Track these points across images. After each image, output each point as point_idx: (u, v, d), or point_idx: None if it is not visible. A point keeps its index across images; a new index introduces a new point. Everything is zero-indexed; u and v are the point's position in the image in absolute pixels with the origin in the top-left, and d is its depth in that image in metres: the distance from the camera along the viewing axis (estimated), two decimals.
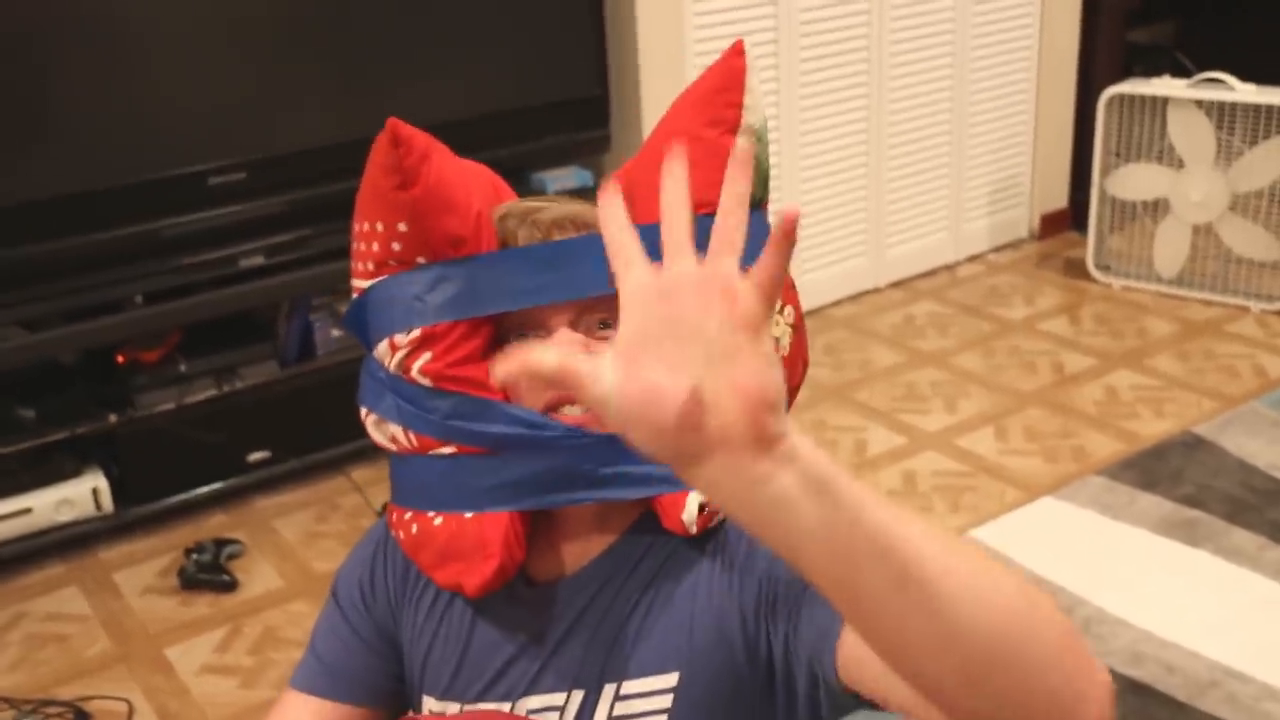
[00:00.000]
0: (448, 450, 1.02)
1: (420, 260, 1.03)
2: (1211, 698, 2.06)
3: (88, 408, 2.62)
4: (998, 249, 4.15)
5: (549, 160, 3.10)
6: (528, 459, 0.99)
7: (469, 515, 1.01)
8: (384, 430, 1.05)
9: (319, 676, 1.10)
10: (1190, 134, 3.56)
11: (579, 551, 1.04)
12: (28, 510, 2.54)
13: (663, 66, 3.17)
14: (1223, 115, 3.51)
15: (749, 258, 1.06)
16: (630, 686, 0.98)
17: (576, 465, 0.98)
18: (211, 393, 2.72)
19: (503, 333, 1.03)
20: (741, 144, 1.07)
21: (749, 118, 1.08)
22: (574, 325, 1.00)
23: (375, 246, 1.04)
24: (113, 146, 2.51)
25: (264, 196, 2.68)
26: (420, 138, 1.03)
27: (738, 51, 1.10)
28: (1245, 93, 3.47)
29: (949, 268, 4.02)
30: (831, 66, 3.55)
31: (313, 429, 2.84)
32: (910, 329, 3.60)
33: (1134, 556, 2.47)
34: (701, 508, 0.99)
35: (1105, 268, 3.84)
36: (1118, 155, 3.70)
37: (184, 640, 2.37)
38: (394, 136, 1.01)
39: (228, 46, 2.60)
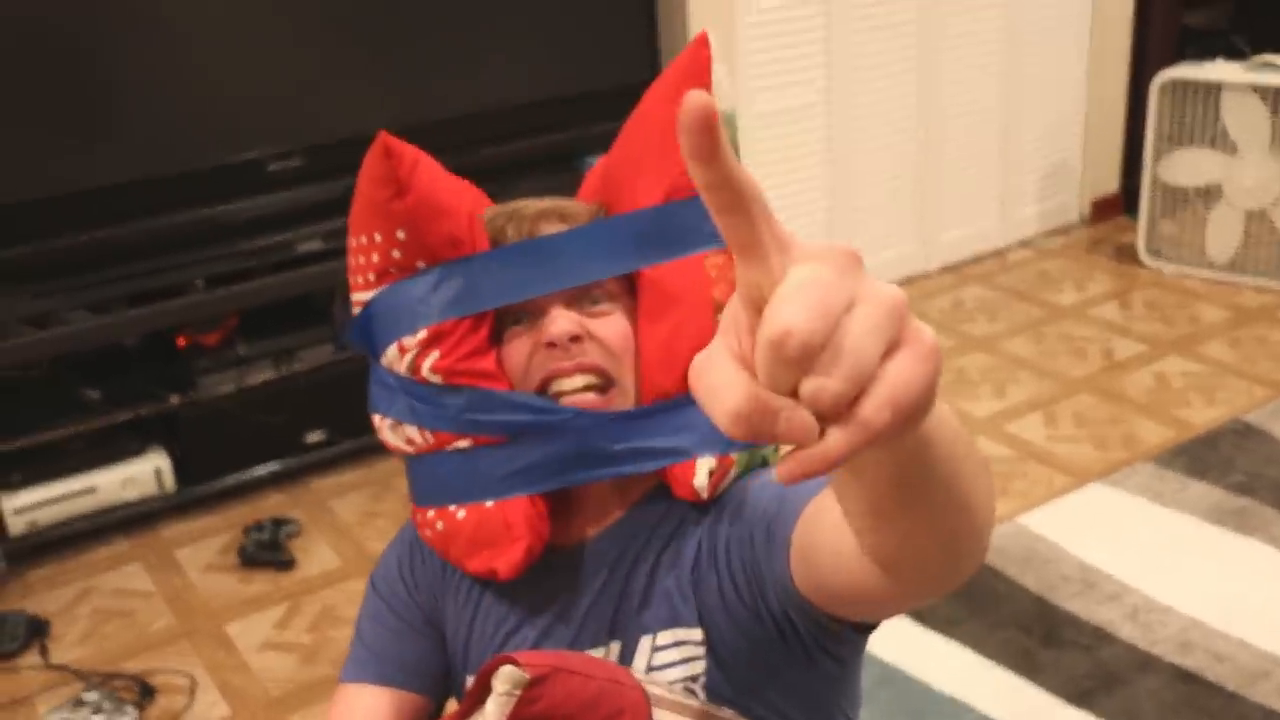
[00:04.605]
0: (464, 444, 1.07)
1: (420, 264, 1.08)
2: (1262, 688, 2.07)
3: (151, 389, 2.68)
4: (1048, 234, 4.13)
5: (597, 146, 3.11)
6: (541, 443, 1.04)
7: (490, 504, 1.06)
8: (400, 433, 1.10)
9: (372, 665, 1.14)
10: (1244, 119, 3.53)
11: (598, 519, 1.10)
12: (93, 489, 2.61)
13: (714, 54, 3.17)
14: (1278, 100, 3.47)
15: (718, 233, 1.12)
16: (664, 637, 1.03)
17: (588, 444, 1.03)
18: (270, 375, 2.78)
19: (501, 323, 1.08)
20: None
21: (719, 104, 1.13)
22: (569, 306, 1.06)
23: (375, 258, 1.09)
24: (175, 134, 2.56)
25: (321, 182, 2.71)
26: (409, 149, 1.09)
27: (703, 43, 1.17)
28: None
29: (999, 252, 4.01)
30: (882, 49, 3.54)
31: (368, 411, 2.89)
32: (960, 314, 3.60)
33: (1183, 544, 2.47)
34: (710, 473, 1.04)
35: (1156, 253, 3.81)
36: (1170, 140, 3.67)
37: (244, 617, 2.43)
38: (385, 149, 1.07)
39: (285, 35, 2.65)
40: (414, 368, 1.07)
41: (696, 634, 1.02)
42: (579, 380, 1.04)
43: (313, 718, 2.16)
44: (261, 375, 2.76)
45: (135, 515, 2.69)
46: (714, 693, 1.01)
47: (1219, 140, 3.59)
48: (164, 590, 2.53)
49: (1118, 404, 3.05)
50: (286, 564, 2.57)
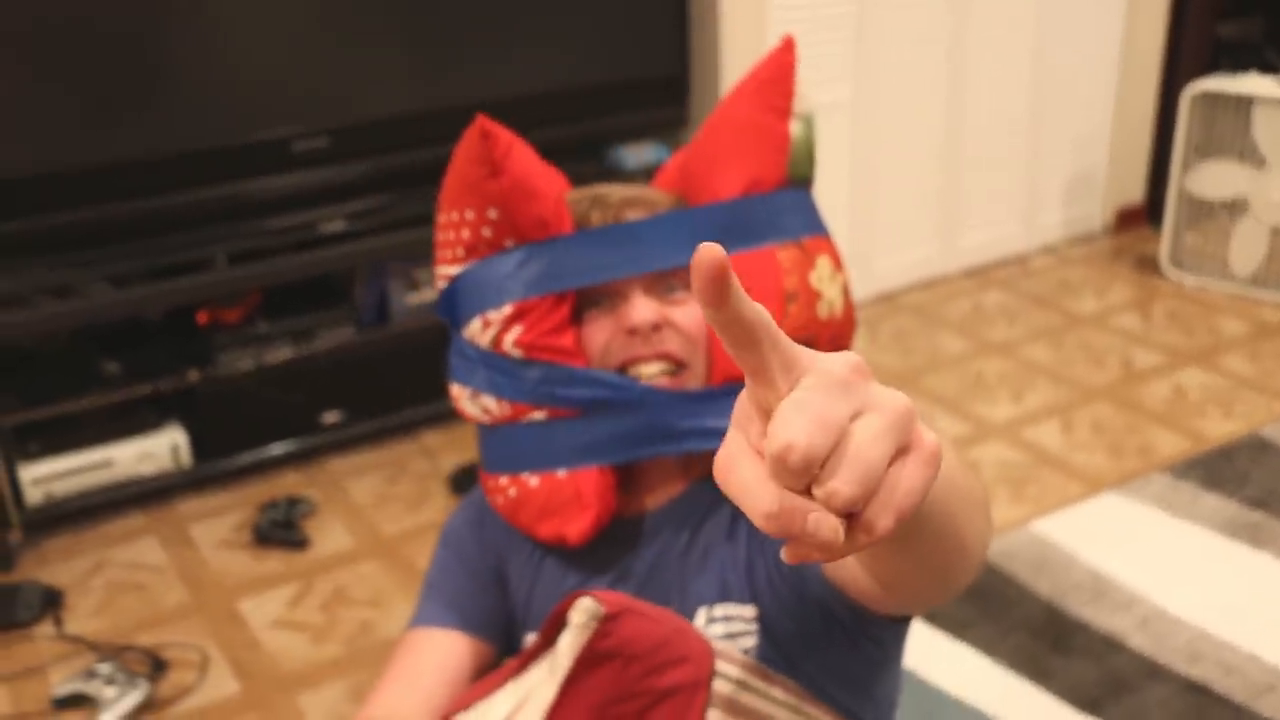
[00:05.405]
0: (539, 415, 1.12)
1: (509, 243, 1.14)
2: (1269, 701, 2.06)
3: (170, 364, 2.70)
4: (1071, 241, 4.12)
5: (625, 135, 3.12)
6: (613, 418, 1.10)
7: (562, 473, 1.11)
8: (478, 403, 1.15)
9: (441, 612, 1.18)
10: (1275, 133, 3.51)
11: (661, 492, 1.15)
12: (110, 462, 2.63)
13: (743, 48, 3.18)
14: None
15: (792, 227, 1.18)
16: (718, 610, 1.07)
17: (658, 421, 1.09)
18: (289, 354, 2.79)
19: (582, 304, 1.14)
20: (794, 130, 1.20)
21: (799, 106, 1.22)
22: (648, 292, 1.12)
23: (466, 234, 1.14)
24: (201, 111, 2.57)
25: (346, 163, 2.73)
26: (505, 132, 1.14)
27: (788, 48, 1.22)
28: None
29: (1021, 258, 4.00)
30: (911, 49, 3.53)
31: (386, 392, 2.90)
32: (980, 317, 3.59)
33: (1196, 556, 2.46)
34: None
35: (1179, 264, 3.80)
36: (1198, 151, 3.65)
37: (257, 594, 2.44)
38: (482, 131, 1.12)
39: (313, 15, 2.65)
40: (496, 341, 1.12)
41: (749, 610, 1.06)
42: (656, 366, 1.10)
43: (322, 696, 2.17)
44: (281, 354, 2.78)
45: (151, 489, 2.70)
46: (763, 664, 1.05)
47: (1247, 153, 3.58)
48: (177, 565, 2.54)
49: (1135, 413, 3.04)
50: (300, 543, 2.58)
